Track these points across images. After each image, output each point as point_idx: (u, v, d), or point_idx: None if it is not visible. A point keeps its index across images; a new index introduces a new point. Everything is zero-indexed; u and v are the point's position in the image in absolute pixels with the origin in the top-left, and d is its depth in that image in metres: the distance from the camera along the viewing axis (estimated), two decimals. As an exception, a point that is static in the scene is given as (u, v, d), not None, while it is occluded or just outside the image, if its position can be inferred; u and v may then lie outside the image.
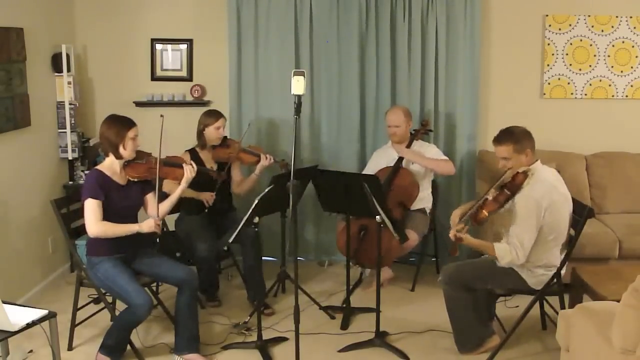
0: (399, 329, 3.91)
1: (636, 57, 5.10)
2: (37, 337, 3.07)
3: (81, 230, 3.58)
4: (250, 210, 3.47)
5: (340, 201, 3.83)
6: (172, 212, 3.70)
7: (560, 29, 5.05)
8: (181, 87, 5.11)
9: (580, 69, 5.11)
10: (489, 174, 4.64)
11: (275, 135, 5.05)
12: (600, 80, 5.13)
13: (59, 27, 4.79)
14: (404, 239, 3.68)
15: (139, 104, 5.03)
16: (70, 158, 4.77)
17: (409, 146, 4.51)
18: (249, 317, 3.99)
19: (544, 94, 5.13)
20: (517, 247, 3.26)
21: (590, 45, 5.08)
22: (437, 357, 3.60)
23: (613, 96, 5.15)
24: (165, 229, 3.95)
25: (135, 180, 3.47)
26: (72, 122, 4.71)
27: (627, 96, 5.15)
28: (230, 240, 3.55)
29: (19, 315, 2.75)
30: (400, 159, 4.49)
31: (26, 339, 3.29)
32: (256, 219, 3.55)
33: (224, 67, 4.99)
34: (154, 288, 4.03)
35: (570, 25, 5.04)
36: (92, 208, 3.28)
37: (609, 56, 5.09)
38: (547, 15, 5.04)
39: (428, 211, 4.60)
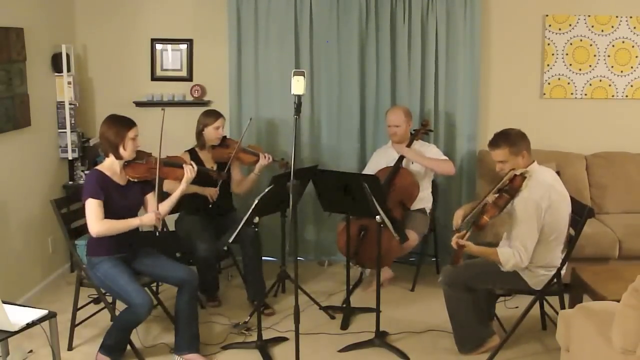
0: (399, 329, 3.91)
1: (636, 57, 5.10)
2: (37, 337, 3.07)
3: (81, 230, 3.59)
4: (250, 210, 3.47)
5: (340, 201, 3.83)
6: (172, 212, 3.70)
7: (560, 29, 5.05)
8: (181, 87, 5.11)
9: (580, 69, 5.11)
10: (489, 174, 4.63)
11: (275, 135, 5.05)
12: (600, 80, 5.13)
13: (59, 27, 4.79)
14: (404, 239, 3.68)
15: (139, 104, 5.03)
16: (70, 158, 4.77)
17: (409, 146, 4.51)
18: (249, 317, 3.99)
19: (544, 94, 5.13)
20: (520, 250, 3.25)
21: (590, 45, 5.08)
22: (437, 357, 3.60)
23: (613, 96, 5.15)
24: (165, 229, 3.95)
25: (135, 180, 3.47)
26: (72, 122, 4.71)
27: (627, 96, 5.15)
28: (230, 240, 3.54)
29: (19, 315, 2.74)
30: (400, 158, 4.49)
31: (26, 339, 3.29)
32: (256, 219, 3.54)
33: (224, 67, 4.99)
34: (154, 288, 4.03)
35: (570, 25, 5.04)
36: (93, 208, 3.27)
37: (609, 56, 5.09)
38: (547, 15, 5.04)
39: (428, 211, 4.60)
